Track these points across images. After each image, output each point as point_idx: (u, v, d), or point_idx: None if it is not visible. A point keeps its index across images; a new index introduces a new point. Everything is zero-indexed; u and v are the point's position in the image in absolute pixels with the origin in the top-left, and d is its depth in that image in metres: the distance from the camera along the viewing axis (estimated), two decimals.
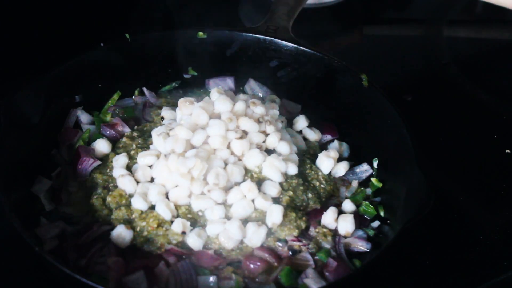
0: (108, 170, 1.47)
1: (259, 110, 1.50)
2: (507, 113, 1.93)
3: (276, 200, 1.39)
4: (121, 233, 1.33)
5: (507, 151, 1.77)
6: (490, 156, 1.77)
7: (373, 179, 1.54)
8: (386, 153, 1.54)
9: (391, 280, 1.42)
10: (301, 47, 1.67)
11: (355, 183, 1.56)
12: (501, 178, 1.70)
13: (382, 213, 1.48)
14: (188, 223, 1.34)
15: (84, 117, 1.62)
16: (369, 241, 1.41)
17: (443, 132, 1.83)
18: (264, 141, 1.48)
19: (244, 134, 1.46)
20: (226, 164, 1.41)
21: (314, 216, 1.43)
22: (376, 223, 1.47)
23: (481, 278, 1.45)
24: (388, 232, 1.42)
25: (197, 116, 1.45)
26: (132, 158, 1.48)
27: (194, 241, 1.33)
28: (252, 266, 1.32)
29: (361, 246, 1.41)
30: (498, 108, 1.96)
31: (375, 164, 1.56)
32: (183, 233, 1.33)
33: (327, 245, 1.39)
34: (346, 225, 1.42)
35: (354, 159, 1.61)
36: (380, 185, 1.53)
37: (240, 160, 1.44)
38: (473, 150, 1.79)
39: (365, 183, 1.56)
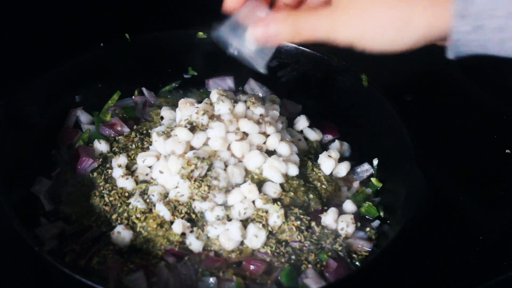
0: (107, 170, 1.47)
1: (259, 111, 1.50)
2: (507, 113, 1.93)
3: (276, 201, 1.39)
4: (121, 233, 1.33)
5: (507, 151, 1.77)
6: (490, 156, 1.77)
7: (373, 179, 1.54)
8: (386, 153, 1.54)
9: (391, 280, 1.42)
10: (301, 47, 1.67)
11: (356, 183, 1.56)
12: (501, 178, 1.70)
13: (382, 213, 1.49)
14: (188, 224, 1.34)
15: (84, 117, 1.62)
16: (370, 241, 1.42)
17: (443, 132, 1.83)
18: (264, 143, 1.48)
19: (245, 135, 1.46)
20: (226, 166, 1.41)
21: (315, 216, 1.43)
22: (376, 223, 1.47)
23: (481, 278, 1.45)
24: (388, 232, 1.42)
25: (197, 117, 1.45)
26: (131, 158, 1.48)
27: (193, 244, 1.33)
28: (252, 267, 1.32)
29: (362, 246, 1.41)
30: (498, 108, 1.96)
31: (375, 163, 1.57)
32: (183, 234, 1.33)
33: (328, 246, 1.39)
34: (347, 226, 1.42)
35: (354, 159, 1.62)
36: (380, 185, 1.53)
37: (240, 161, 1.44)
38: (473, 150, 1.79)
39: (365, 182, 1.57)
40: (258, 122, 1.48)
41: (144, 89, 1.71)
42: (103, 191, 1.42)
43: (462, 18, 1.02)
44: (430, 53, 2.26)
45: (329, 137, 1.67)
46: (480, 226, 1.58)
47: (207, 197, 1.36)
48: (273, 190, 1.40)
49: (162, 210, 1.35)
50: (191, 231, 1.34)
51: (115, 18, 2.04)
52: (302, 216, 1.40)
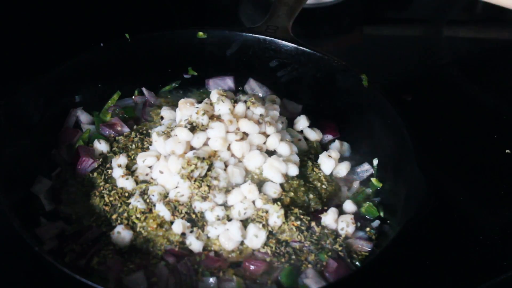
0: (107, 170, 1.47)
1: (259, 111, 1.50)
2: (507, 113, 1.93)
3: (276, 201, 1.39)
4: (121, 233, 1.33)
5: (507, 151, 1.77)
6: (490, 156, 1.77)
7: (373, 179, 1.54)
8: (386, 153, 1.54)
9: (391, 280, 1.42)
10: (301, 47, 1.67)
11: (356, 183, 1.56)
12: (501, 178, 1.70)
13: (382, 213, 1.48)
14: (188, 224, 1.34)
15: (84, 117, 1.62)
16: (370, 241, 1.42)
17: (443, 132, 1.83)
18: (264, 143, 1.48)
19: (245, 135, 1.46)
20: (226, 166, 1.41)
21: (315, 216, 1.43)
22: (376, 223, 1.47)
23: (481, 278, 1.45)
24: (388, 232, 1.42)
25: (197, 117, 1.45)
26: (131, 158, 1.48)
27: (193, 244, 1.33)
28: (252, 267, 1.32)
29: (362, 246, 1.41)
30: (498, 108, 1.96)
31: (375, 163, 1.57)
32: (183, 234, 1.33)
33: (328, 246, 1.39)
34: (347, 226, 1.42)
35: (354, 159, 1.61)
36: (380, 185, 1.53)
37: (240, 161, 1.44)
38: (473, 150, 1.79)
39: (365, 182, 1.57)
40: (258, 122, 1.48)
41: (144, 89, 1.71)
42: (103, 191, 1.42)
43: None
44: (430, 53, 2.28)
45: (329, 137, 1.67)
46: (480, 226, 1.58)
47: (207, 197, 1.36)
48: (273, 190, 1.40)
49: (162, 210, 1.35)
50: (191, 231, 1.34)
51: (115, 18, 2.05)
52: (302, 216, 1.40)
